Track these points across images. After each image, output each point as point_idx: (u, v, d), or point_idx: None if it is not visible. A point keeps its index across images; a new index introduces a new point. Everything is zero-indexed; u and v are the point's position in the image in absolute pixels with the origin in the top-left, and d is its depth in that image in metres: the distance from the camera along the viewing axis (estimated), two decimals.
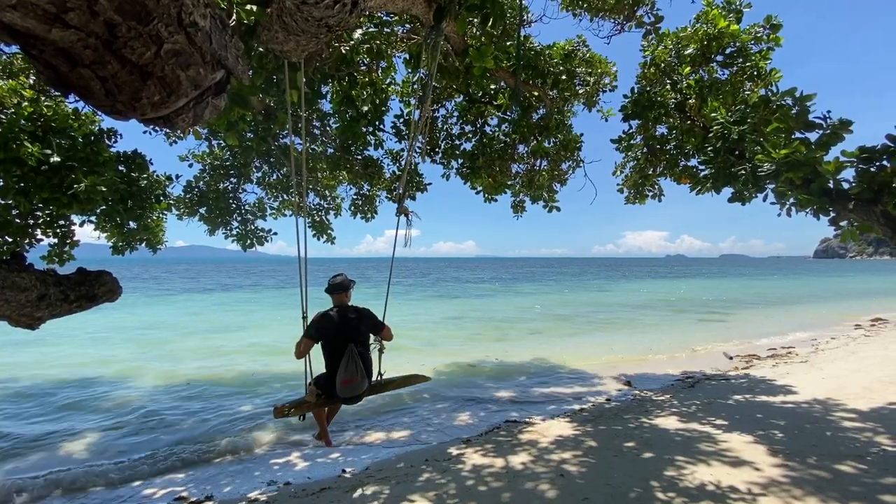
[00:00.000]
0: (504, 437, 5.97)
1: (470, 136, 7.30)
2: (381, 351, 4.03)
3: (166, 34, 0.98)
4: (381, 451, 6.06)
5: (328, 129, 6.67)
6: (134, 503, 4.90)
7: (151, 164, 5.08)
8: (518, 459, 4.96)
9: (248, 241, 7.29)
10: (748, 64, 6.17)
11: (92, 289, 3.71)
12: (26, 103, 4.21)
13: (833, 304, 24.27)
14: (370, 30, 4.91)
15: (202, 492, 5.03)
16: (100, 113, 4.89)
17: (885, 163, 4.02)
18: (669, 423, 5.97)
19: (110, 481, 5.38)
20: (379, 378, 4.01)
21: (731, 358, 11.25)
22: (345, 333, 3.64)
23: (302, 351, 3.62)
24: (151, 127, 6.31)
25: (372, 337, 3.90)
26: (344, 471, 5.26)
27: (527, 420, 6.82)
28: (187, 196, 6.91)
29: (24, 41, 0.90)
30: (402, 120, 6.75)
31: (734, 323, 18.14)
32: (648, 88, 6.73)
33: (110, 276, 3.93)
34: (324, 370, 3.78)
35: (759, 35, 6.21)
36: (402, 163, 7.35)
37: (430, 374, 4.52)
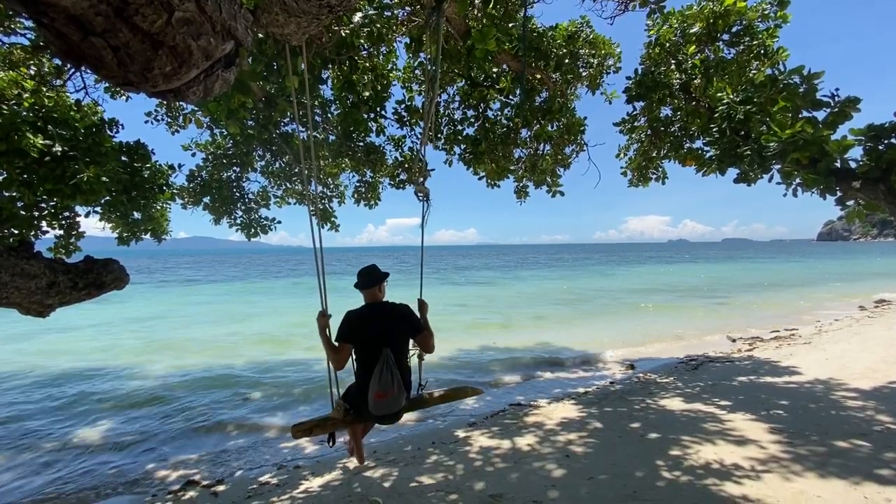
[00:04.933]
0: (510, 419, 6.04)
1: (472, 121, 7.23)
2: (420, 357, 3.41)
3: (177, 1, 0.96)
4: (388, 434, 6.14)
5: (329, 116, 6.63)
6: (146, 487, 5.00)
7: (154, 153, 5.07)
8: (524, 441, 5.03)
9: (253, 230, 7.31)
10: (755, 42, 6.07)
11: (100, 276, 3.74)
12: (27, 94, 4.20)
13: (836, 285, 24.23)
14: (370, 13, 4.84)
15: (214, 475, 5.13)
16: (101, 103, 4.88)
17: (893, 141, 3.98)
18: (674, 404, 6.03)
19: (122, 466, 5.49)
20: (420, 391, 3.42)
21: (734, 340, 11.29)
22: (380, 337, 3.00)
23: (342, 359, 3.02)
24: (170, 102, 6.27)
25: (410, 342, 3.24)
26: (352, 453, 5.34)
27: (532, 403, 6.90)
28: (191, 185, 6.91)
29: (35, 9, 0.89)
30: (403, 106, 6.70)
31: (737, 306, 18.16)
32: (653, 69, 6.64)
33: (117, 264, 3.95)
34: (353, 381, 3.17)
35: (766, 12, 6.09)
36: (406, 148, 7.32)
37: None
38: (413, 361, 3.32)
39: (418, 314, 3.29)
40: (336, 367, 3.06)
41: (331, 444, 3.32)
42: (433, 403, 3.54)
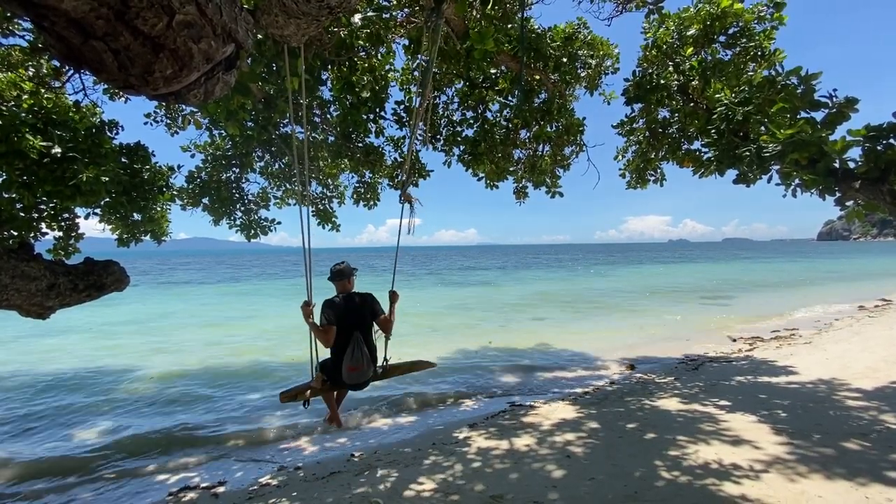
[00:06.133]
0: (508, 420, 6.04)
1: (471, 122, 7.25)
2: (386, 337, 3.98)
3: (178, 4, 0.97)
4: (388, 435, 6.14)
5: (329, 116, 6.64)
6: (146, 489, 4.99)
7: (154, 155, 5.08)
8: (523, 442, 5.03)
9: (252, 232, 7.31)
10: (752, 44, 6.09)
11: (100, 278, 3.74)
12: (26, 96, 4.20)
13: (837, 285, 24.24)
14: (369, 14, 4.85)
15: (214, 477, 5.12)
16: (100, 104, 4.88)
17: (891, 141, 3.98)
18: (672, 404, 6.03)
19: (123, 468, 5.49)
20: (385, 364, 4.02)
21: (734, 340, 11.29)
22: (350, 320, 3.64)
23: (329, 338, 3.58)
24: (170, 104, 6.27)
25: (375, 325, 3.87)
26: (352, 455, 5.34)
27: (530, 404, 6.89)
28: (190, 187, 6.92)
29: (35, 12, 0.89)
30: (402, 107, 6.71)
31: (738, 306, 18.16)
32: (650, 71, 6.65)
33: (117, 266, 3.95)
34: (328, 356, 3.79)
35: (762, 14, 6.11)
36: (405, 149, 7.33)
37: (434, 361, 4.51)
38: (381, 342, 3.95)
39: (388, 302, 3.94)
40: (326, 345, 3.62)
41: (306, 406, 3.85)
42: (394, 374, 4.16)
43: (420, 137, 6.31)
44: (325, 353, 3.78)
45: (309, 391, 3.76)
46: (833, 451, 4.17)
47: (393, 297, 3.99)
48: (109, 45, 0.95)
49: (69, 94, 4.69)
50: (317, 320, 3.61)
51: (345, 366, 3.59)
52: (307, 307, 3.56)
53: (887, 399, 5.57)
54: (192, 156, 7.12)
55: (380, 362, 3.96)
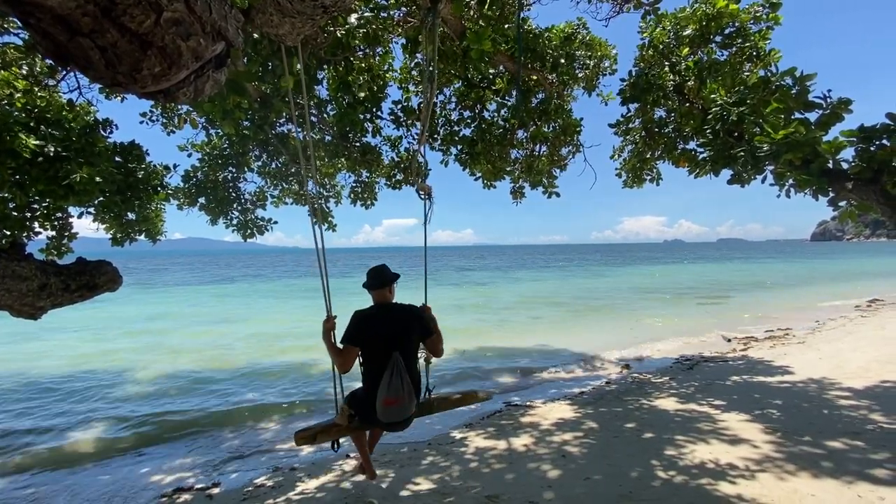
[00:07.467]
0: (506, 420, 6.04)
1: (468, 121, 7.25)
2: (427, 361, 3.26)
3: (166, 1, 0.96)
4: (385, 434, 6.12)
5: (325, 116, 6.62)
6: (140, 491, 4.96)
7: (148, 154, 5.04)
8: (520, 441, 5.04)
9: (249, 231, 7.28)
10: (747, 44, 6.12)
11: (93, 278, 3.71)
12: (19, 94, 4.16)
13: (830, 285, 24.41)
14: (366, 14, 4.84)
15: (209, 479, 5.09)
16: (94, 103, 4.84)
17: (884, 142, 4.01)
18: (668, 404, 6.05)
19: (116, 470, 5.45)
20: (427, 395, 3.25)
21: (729, 340, 11.34)
22: (389, 339, 2.85)
23: (348, 362, 2.84)
24: (161, 103, 6.23)
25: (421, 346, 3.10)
26: (349, 455, 5.32)
27: (528, 403, 6.90)
28: (186, 186, 6.88)
29: (21, 8, 0.88)
30: (399, 106, 6.70)
31: (732, 306, 18.25)
32: (647, 71, 6.68)
33: (110, 266, 3.93)
34: (360, 386, 3.03)
35: (758, 14, 6.14)
36: (404, 149, 7.33)
37: (487, 393, 4.01)
38: (420, 365, 3.19)
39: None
40: (341, 371, 2.91)
41: (335, 448, 3.18)
42: (443, 409, 3.45)
43: (418, 135, 6.31)
44: (355, 381, 3.06)
45: (333, 430, 3.04)
46: (825, 450, 4.19)
47: (428, 311, 3.26)
48: (96, 43, 0.94)
49: (64, 93, 4.66)
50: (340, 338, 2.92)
51: (380, 398, 2.76)
52: (329, 322, 2.93)
53: (878, 399, 5.61)
54: (189, 155, 7.08)
55: (423, 394, 3.22)
